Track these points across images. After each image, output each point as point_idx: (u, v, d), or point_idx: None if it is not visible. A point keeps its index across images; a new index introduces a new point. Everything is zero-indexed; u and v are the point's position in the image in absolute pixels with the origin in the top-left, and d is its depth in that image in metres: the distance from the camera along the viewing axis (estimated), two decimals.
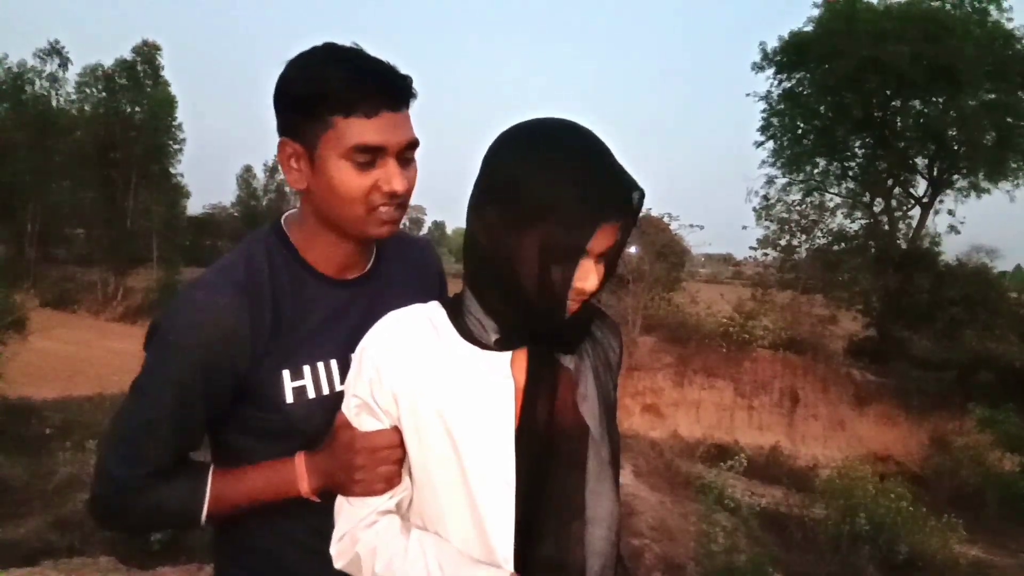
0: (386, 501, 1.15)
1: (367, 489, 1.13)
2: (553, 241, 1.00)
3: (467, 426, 1.08)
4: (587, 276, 1.05)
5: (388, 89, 1.17)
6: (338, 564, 1.16)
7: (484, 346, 1.11)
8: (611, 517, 1.16)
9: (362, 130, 1.15)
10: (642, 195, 1.05)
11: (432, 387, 1.09)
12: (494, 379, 1.10)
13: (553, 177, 0.99)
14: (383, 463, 1.12)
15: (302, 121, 1.18)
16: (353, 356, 1.16)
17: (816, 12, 22.04)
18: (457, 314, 1.14)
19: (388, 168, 1.18)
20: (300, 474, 1.20)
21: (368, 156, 1.16)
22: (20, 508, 7.84)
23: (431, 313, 1.16)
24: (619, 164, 1.04)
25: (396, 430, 1.14)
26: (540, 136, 1.04)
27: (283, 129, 1.22)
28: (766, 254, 24.41)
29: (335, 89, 1.14)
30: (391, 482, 1.14)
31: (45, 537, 6.86)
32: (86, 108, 35.98)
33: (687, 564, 7.55)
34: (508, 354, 1.11)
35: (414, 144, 1.22)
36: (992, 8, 20.68)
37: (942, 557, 8.95)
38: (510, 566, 1.07)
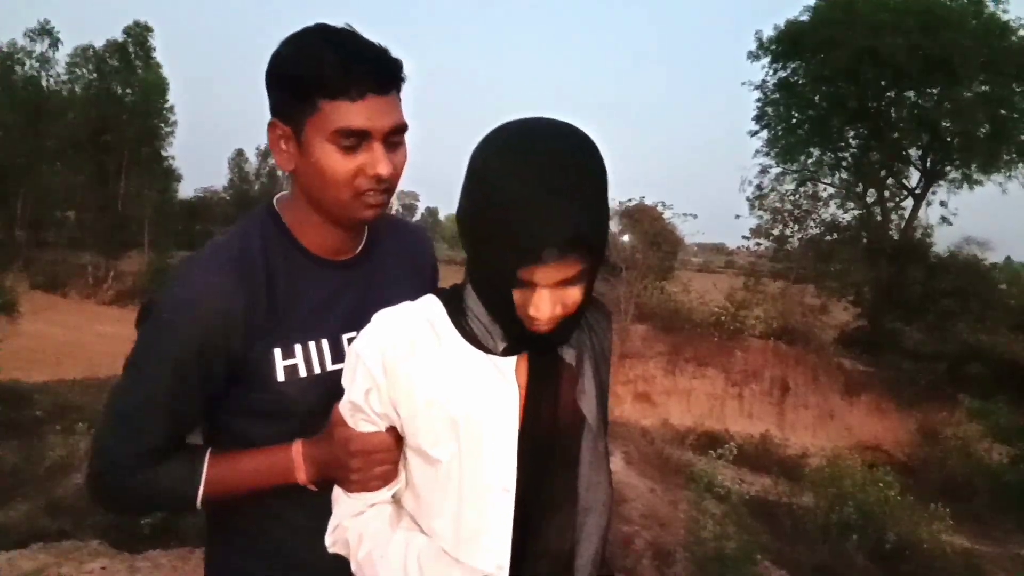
0: (382, 495, 1.15)
1: (363, 487, 1.14)
2: (493, 263, 0.98)
3: (475, 433, 1.07)
4: (537, 304, 0.99)
5: (375, 73, 1.15)
6: (332, 550, 1.18)
7: (489, 351, 1.08)
8: (604, 505, 1.16)
9: (347, 114, 1.14)
10: (583, 240, 0.95)
11: (439, 393, 1.07)
12: (501, 385, 1.08)
13: (500, 200, 0.94)
14: (379, 464, 1.13)
15: (290, 103, 1.17)
16: (347, 356, 1.15)
17: (812, 1, 22.01)
18: (458, 313, 1.11)
19: (374, 152, 1.17)
20: (297, 464, 1.19)
21: (353, 140, 1.15)
22: (11, 492, 7.83)
23: (428, 312, 1.13)
24: (574, 200, 0.94)
25: (392, 432, 1.13)
26: (507, 150, 0.97)
27: (273, 109, 1.21)
28: (759, 244, 24.52)
29: (321, 72, 1.13)
30: (387, 480, 1.15)
31: (36, 521, 6.84)
32: (77, 90, 35.71)
33: (676, 551, 7.59)
34: (513, 358, 1.09)
35: (402, 128, 1.21)
36: (988, 0, 20.67)
37: (929, 546, 9.01)
38: (505, 572, 1.07)
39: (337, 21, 1.21)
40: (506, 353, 1.08)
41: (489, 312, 1.07)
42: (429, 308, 1.13)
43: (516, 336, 1.07)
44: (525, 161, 0.95)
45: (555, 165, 0.95)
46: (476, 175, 0.99)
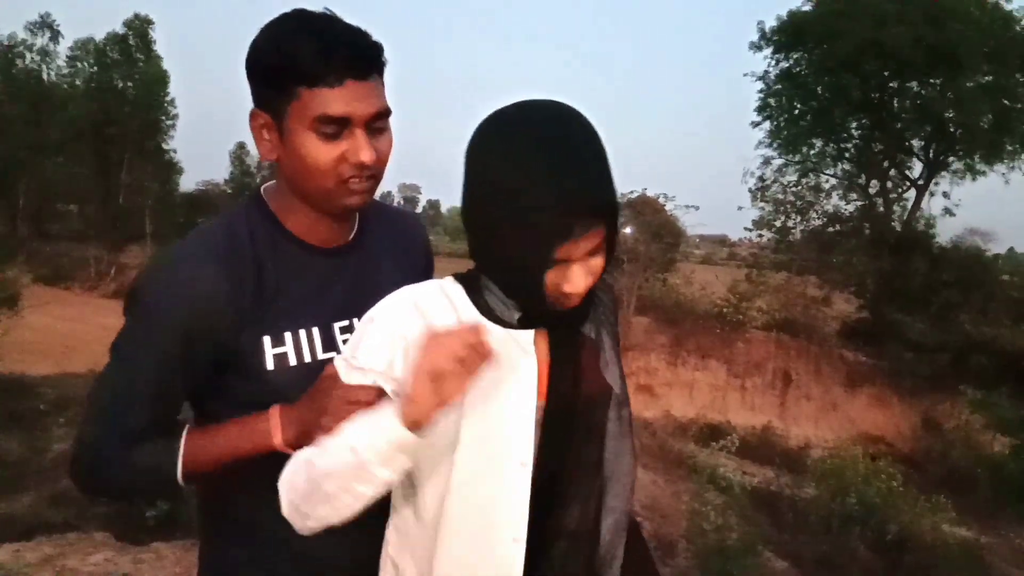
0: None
1: (326, 432, 1.06)
2: (523, 248, 0.98)
3: (492, 404, 1.07)
4: (572, 279, 1.01)
5: (354, 57, 1.14)
6: (285, 512, 1.09)
7: (506, 325, 1.09)
8: (628, 474, 1.18)
9: (326, 100, 1.12)
10: (610, 204, 0.99)
11: None
12: (517, 358, 1.08)
13: (521, 185, 0.95)
14: (352, 414, 1.06)
15: (270, 91, 1.16)
16: (359, 324, 1.14)
17: None
18: (475, 290, 1.12)
19: (356, 139, 1.16)
20: (274, 424, 1.15)
21: (334, 127, 1.14)
22: (15, 484, 7.85)
23: (446, 288, 1.14)
24: (593, 168, 0.97)
25: (377, 390, 1.09)
26: (515, 133, 0.99)
27: (254, 99, 1.20)
28: (761, 235, 24.37)
29: (299, 59, 1.11)
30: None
31: (40, 513, 6.86)
32: (78, 83, 35.66)
33: (678, 542, 7.60)
34: (531, 331, 1.10)
35: (384, 113, 1.20)
36: None
37: (932, 538, 9.02)
38: (521, 545, 1.07)
39: (316, 6, 1.19)
40: (521, 324, 1.09)
41: (511, 297, 1.08)
42: (447, 286, 1.14)
43: (536, 314, 1.08)
44: (535, 139, 0.96)
45: (567, 139, 0.96)
46: (485, 165, 0.99)
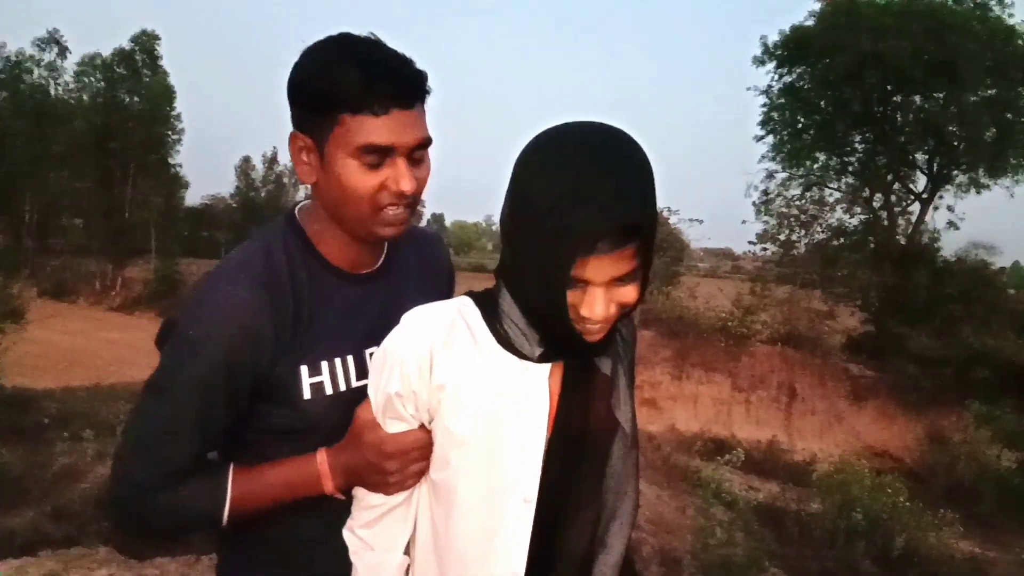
0: (403, 496, 1.16)
1: (401, 488, 1.14)
2: (543, 263, 0.96)
3: (501, 438, 1.06)
4: (589, 302, 0.98)
5: (399, 86, 1.13)
6: (351, 554, 1.19)
7: (524, 357, 1.07)
8: (630, 514, 1.16)
9: (370, 129, 1.12)
10: (634, 227, 0.95)
11: (471, 393, 1.07)
12: (532, 393, 1.07)
13: (547, 199, 0.93)
14: (415, 462, 1.12)
15: (312, 116, 1.16)
16: (376, 355, 1.14)
17: (817, 6, 22.00)
18: (493, 316, 1.09)
19: (397, 168, 1.15)
20: (324, 473, 1.18)
21: (376, 156, 1.14)
22: (18, 498, 7.84)
23: (464, 312, 1.12)
24: (624, 188, 0.93)
25: (424, 429, 1.12)
26: (549, 148, 0.98)
27: (295, 122, 1.20)
28: (765, 249, 24.38)
29: (344, 86, 1.10)
30: (421, 475, 1.15)
31: (42, 527, 6.86)
32: (84, 98, 35.94)
33: (684, 557, 7.56)
34: (548, 365, 1.08)
35: (426, 143, 1.19)
36: (993, 4, 20.65)
37: (937, 552, 8.98)
38: None
39: (344, 28, 1.18)
40: (542, 360, 1.07)
41: (534, 317, 1.05)
42: (464, 308, 1.12)
43: (557, 343, 1.06)
44: (568, 156, 0.95)
45: (599, 157, 0.95)
46: (519, 178, 0.99)
